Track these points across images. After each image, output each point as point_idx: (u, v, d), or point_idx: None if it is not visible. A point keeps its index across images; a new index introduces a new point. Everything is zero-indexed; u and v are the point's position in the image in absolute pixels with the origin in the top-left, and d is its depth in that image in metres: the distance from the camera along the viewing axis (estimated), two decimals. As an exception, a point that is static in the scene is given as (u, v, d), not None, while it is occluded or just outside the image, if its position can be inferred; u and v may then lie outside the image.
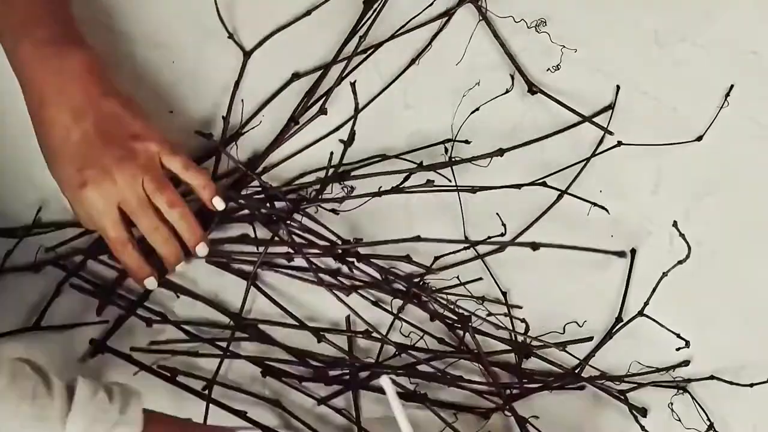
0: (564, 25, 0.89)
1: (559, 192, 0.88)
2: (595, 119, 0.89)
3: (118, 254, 0.81)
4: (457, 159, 0.88)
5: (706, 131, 0.88)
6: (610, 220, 0.89)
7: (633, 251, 0.89)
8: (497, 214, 0.86)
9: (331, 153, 0.88)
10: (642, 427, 0.87)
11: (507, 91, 0.89)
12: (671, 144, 0.88)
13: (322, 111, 0.88)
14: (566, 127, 0.90)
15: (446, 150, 0.89)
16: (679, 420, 0.89)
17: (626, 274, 0.90)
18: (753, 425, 0.89)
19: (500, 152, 0.88)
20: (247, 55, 0.90)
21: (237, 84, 0.90)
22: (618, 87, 0.89)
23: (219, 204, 0.83)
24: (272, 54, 0.90)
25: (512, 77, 0.90)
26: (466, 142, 0.89)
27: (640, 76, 0.89)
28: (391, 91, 0.90)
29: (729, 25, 0.88)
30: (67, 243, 0.88)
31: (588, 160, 0.89)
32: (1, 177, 0.90)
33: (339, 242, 0.88)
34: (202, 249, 0.83)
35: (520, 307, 0.89)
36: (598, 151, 0.89)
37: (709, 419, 0.88)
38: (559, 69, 0.89)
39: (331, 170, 0.88)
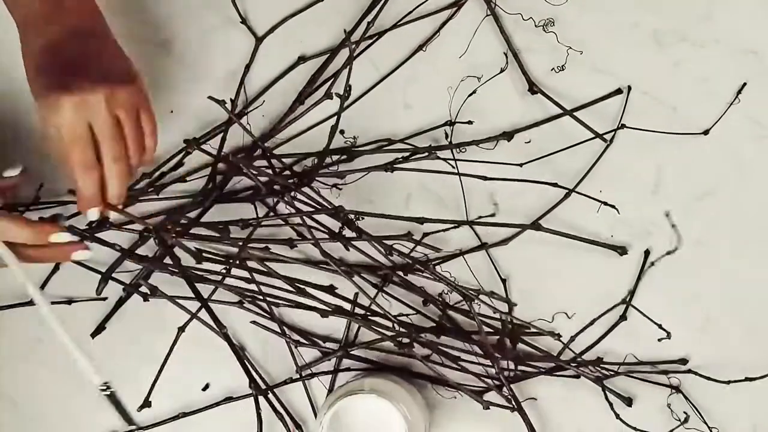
0: (568, 26, 0.90)
1: (567, 191, 0.89)
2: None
3: (79, 177, 0.78)
4: (463, 141, 0.89)
5: (713, 126, 0.89)
6: (609, 220, 0.90)
7: (647, 252, 0.89)
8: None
9: (332, 126, 0.89)
10: (617, 416, 0.87)
11: (501, 71, 0.90)
12: (677, 134, 0.88)
13: (328, 95, 0.90)
14: (551, 117, 0.91)
15: (447, 135, 0.89)
16: (679, 420, 0.88)
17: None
18: (753, 425, 0.88)
19: (508, 136, 0.89)
20: (259, 40, 0.92)
21: (248, 68, 0.91)
22: (629, 87, 0.90)
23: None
24: (280, 39, 0.92)
25: (506, 58, 0.91)
26: (469, 122, 0.90)
27: (640, 76, 0.90)
28: (390, 89, 0.92)
29: (729, 25, 0.88)
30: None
31: (596, 161, 0.90)
32: (3, 152, 0.92)
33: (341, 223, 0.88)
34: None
35: (515, 304, 0.90)
36: (602, 153, 0.90)
37: (702, 417, 0.87)
38: (564, 69, 0.90)
39: (330, 144, 0.89)
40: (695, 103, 0.89)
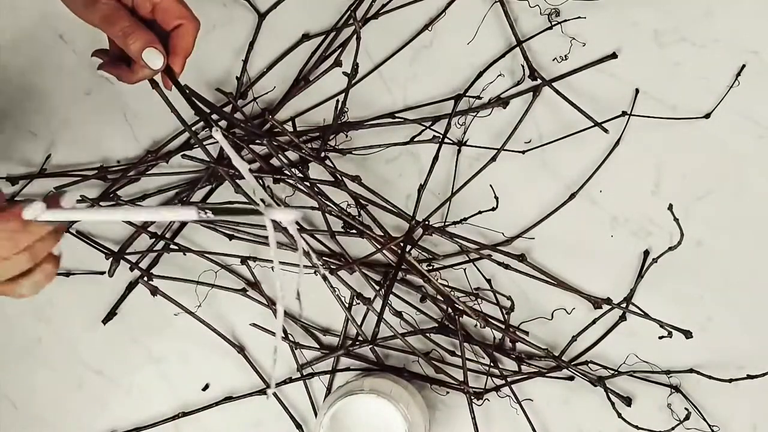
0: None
1: (571, 195, 0.90)
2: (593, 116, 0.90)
3: (130, 31, 0.72)
4: (460, 110, 0.90)
5: (714, 108, 0.88)
6: (610, 220, 0.90)
7: (646, 252, 0.89)
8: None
9: (337, 101, 0.90)
10: (619, 415, 0.87)
11: (502, 56, 0.91)
12: (678, 119, 0.88)
13: (337, 63, 0.90)
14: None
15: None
16: (679, 420, 0.88)
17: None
18: (753, 425, 0.88)
19: (503, 103, 0.90)
20: (261, 16, 0.92)
21: (251, 45, 0.92)
22: (637, 90, 0.90)
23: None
24: (284, 17, 0.93)
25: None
26: (478, 97, 0.91)
27: (640, 76, 0.90)
28: (394, 73, 0.92)
29: (729, 25, 0.88)
30: (75, 184, 0.92)
31: (601, 164, 0.90)
32: (12, 125, 0.93)
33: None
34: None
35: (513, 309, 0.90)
36: (610, 152, 0.90)
37: (702, 416, 0.88)
38: (566, 59, 0.90)
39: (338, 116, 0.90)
40: (695, 102, 0.89)
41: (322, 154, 0.90)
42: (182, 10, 0.74)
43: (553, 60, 0.90)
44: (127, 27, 0.72)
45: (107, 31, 0.73)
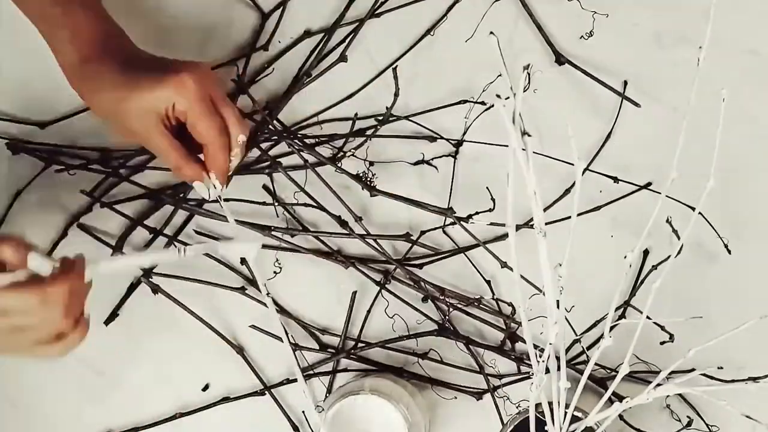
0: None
1: (567, 189, 0.90)
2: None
3: (221, 145, 0.77)
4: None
5: (714, 108, 0.86)
6: (609, 220, 0.89)
7: (646, 252, 0.89)
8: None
9: (355, 114, 0.90)
10: (620, 417, 0.87)
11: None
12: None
13: (342, 58, 0.90)
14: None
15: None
16: (679, 420, 0.88)
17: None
18: (753, 425, 0.88)
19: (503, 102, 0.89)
20: (265, 17, 0.93)
21: (254, 44, 0.92)
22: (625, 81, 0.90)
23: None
24: (284, 14, 0.93)
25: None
26: (492, 105, 0.91)
27: (640, 76, 0.90)
28: (403, 67, 0.92)
29: (729, 25, 0.88)
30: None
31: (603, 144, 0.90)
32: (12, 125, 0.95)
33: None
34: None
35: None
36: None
37: (701, 417, 0.88)
38: (592, 35, 0.90)
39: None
40: (695, 102, 0.89)
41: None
42: (208, 134, 0.76)
43: (580, 38, 0.90)
44: (175, 163, 0.77)
45: (162, 160, 0.78)
